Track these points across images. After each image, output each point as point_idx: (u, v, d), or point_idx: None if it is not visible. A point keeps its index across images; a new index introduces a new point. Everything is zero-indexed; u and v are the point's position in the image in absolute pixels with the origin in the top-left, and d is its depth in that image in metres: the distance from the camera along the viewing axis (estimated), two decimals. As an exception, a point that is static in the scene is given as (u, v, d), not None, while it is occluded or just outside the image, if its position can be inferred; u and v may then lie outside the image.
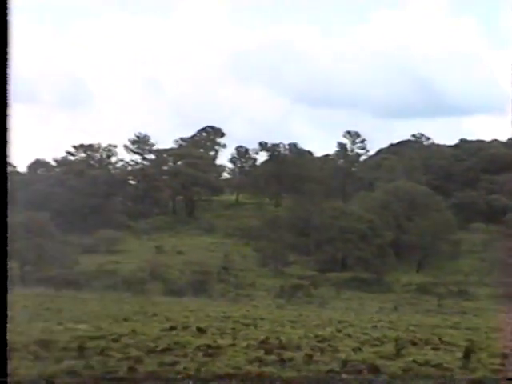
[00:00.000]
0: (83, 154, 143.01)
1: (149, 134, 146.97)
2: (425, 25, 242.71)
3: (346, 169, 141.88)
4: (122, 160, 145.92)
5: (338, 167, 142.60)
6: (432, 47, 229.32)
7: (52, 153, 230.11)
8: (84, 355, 23.24)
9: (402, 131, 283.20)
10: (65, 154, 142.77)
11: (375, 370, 22.15)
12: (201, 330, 32.56)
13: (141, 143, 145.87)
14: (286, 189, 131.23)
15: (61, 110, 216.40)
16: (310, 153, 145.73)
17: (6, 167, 5.27)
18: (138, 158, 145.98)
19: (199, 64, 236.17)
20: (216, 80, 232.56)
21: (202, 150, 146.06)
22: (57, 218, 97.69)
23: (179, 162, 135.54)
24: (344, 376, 21.10)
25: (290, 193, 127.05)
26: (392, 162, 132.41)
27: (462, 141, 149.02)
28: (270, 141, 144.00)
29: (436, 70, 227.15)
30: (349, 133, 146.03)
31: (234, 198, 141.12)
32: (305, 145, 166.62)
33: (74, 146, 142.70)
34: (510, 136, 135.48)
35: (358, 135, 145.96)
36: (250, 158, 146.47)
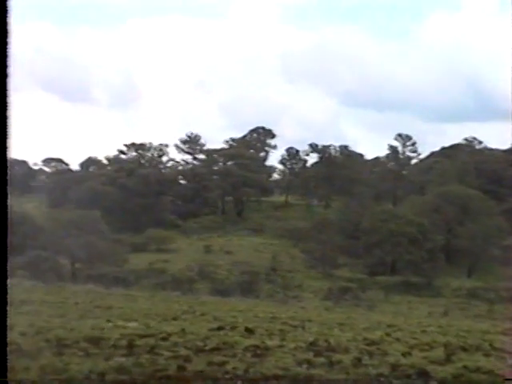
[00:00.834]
0: (134, 153, 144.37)
1: (200, 134, 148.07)
2: (480, 27, 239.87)
3: (396, 172, 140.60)
4: (172, 159, 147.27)
5: (388, 170, 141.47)
6: (486, 50, 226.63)
7: (104, 151, 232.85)
8: (133, 353, 23.35)
9: (453, 135, 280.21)
10: (116, 153, 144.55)
11: (425, 375, 21.89)
12: (249, 331, 32.49)
13: (192, 143, 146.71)
14: (336, 191, 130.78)
15: (113, 109, 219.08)
16: (360, 155, 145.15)
17: (5, 162, 5.28)
18: (188, 157, 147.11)
19: (250, 65, 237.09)
20: (267, 81, 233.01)
21: (252, 151, 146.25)
22: (108, 216, 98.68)
23: (229, 163, 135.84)
24: (394, 382, 20.87)
25: (340, 195, 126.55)
26: (444, 166, 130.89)
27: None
28: (321, 142, 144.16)
29: (489, 73, 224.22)
30: (400, 135, 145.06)
31: (283, 199, 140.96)
32: (355, 147, 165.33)
33: (126, 145, 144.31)
34: None
35: (409, 138, 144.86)
36: (301, 160, 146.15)
